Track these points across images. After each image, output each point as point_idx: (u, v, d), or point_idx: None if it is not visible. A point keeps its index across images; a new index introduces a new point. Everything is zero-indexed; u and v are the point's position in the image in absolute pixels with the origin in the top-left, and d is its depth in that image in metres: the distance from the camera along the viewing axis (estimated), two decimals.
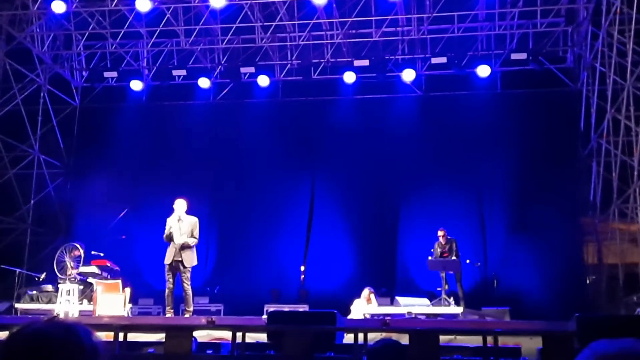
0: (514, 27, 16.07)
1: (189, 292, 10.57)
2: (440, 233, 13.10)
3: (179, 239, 10.41)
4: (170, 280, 10.52)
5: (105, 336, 8.25)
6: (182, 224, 10.52)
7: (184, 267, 10.45)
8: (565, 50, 16.25)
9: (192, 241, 10.53)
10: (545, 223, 14.50)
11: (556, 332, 8.06)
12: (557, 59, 16.10)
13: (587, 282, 14.67)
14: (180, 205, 10.62)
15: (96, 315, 10.68)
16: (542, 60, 15.10)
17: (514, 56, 15.18)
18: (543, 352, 7.81)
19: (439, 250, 13.05)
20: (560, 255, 14.30)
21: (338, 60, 16.36)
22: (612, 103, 13.43)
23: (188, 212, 10.72)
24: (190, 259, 10.53)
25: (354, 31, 16.10)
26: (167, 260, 10.49)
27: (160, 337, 9.01)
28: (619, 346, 1.38)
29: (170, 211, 10.70)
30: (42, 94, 17.01)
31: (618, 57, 13.37)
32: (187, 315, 10.50)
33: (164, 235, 10.54)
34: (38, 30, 16.62)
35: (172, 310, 10.60)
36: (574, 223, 14.90)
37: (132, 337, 8.94)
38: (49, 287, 12.91)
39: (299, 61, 16.47)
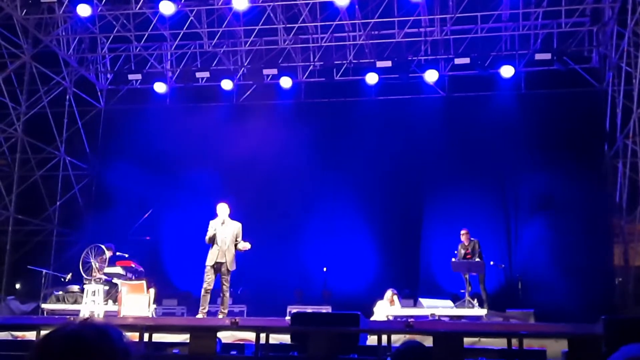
0: (538, 27, 15.93)
1: (228, 294, 10.76)
2: (462, 232, 12.98)
3: (226, 244, 10.49)
4: (209, 281, 10.58)
5: (130, 336, 8.32)
6: (226, 228, 10.61)
7: (228, 270, 10.55)
8: (590, 50, 16.07)
9: (247, 245, 10.61)
10: (570, 224, 14.37)
11: (582, 335, 7.96)
12: (582, 59, 15.93)
13: (616, 283, 14.47)
14: (223, 209, 10.74)
15: (121, 315, 10.77)
16: (566, 61, 14.95)
17: (538, 56, 15.03)
18: (569, 355, 7.73)
19: (462, 251, 12.96)
20: (586, 256, 14.13)
21: (360, 61, 16.34)
22: (639, 103, 13.25)
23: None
24: (233, 262, 10.65)
25: (376, 32, 16.07)
26: (210, 262, 10.55)
27: (184, 337, 9.08)
28: None
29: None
30: (67, 97, 17.24)
31: None
32: (221, 317, 10.52)
33: (207, 237, 10.59)
34: (64, 33, 16.83)
35: (205, 311, 10.61)
36: (600, 224, 14.73)
37: (157, 337, 9.02)
38: (75, 288, 13.04)
39: (322, 62, 16.49)
